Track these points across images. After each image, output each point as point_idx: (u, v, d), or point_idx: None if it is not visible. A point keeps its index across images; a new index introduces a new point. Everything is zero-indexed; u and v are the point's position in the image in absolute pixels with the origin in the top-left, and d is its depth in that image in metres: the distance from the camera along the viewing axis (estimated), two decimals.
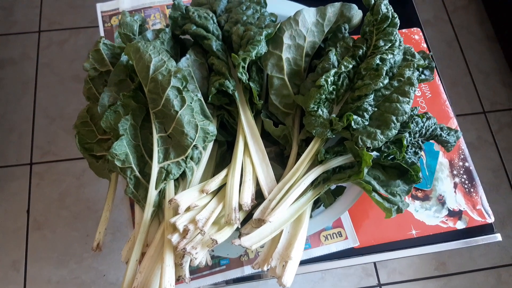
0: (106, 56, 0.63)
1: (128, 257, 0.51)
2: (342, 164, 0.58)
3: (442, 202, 0.74)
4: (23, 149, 1.44)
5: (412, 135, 0.60)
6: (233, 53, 0.58)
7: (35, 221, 1.35)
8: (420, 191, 0.75)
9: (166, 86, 0.53)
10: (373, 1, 0.58)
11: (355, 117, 0.54)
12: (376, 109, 0.55)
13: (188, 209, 0.51)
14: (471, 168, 0.77)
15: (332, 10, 0.59)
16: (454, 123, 0.80)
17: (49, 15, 1.66)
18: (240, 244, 0.51)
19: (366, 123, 0.55)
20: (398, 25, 0.58)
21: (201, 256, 0.48)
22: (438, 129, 0.64)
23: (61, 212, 1.37)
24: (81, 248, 1.32)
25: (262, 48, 0.57)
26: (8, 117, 1.49)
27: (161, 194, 0.54)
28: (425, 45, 0.89)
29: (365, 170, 0.54)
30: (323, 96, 0.55)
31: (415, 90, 0.55)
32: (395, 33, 0.57)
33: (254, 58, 0.56)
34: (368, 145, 0.54)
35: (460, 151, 0.78)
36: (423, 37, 0.89)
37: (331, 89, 0.56)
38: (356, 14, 0.62)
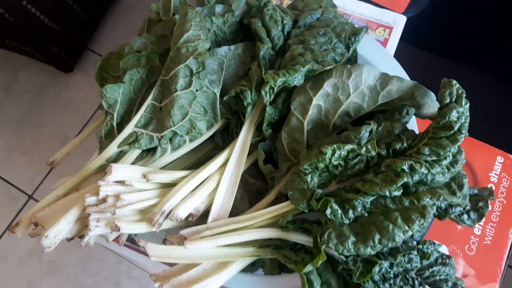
0: (173, 7, 0.61)
1: (56, 187, 0.51)
2: (305, 245, 0.49)
3: None
4: None
5: (399, 268, 0.47)
6: (271, 70, 0.52)
7: None
8: None
9: (182, 62, 0.50)
10: (447, 100, 0.46)
11: (336, 207, 0.44)
12: (366, 214, 0.45)
13: (123, 183, 0.48)
14: None
15: (398, 85, 0.48)
16: None
17: None
18: (144, 247, 0.47)
19: (346, 221, 0.45)
20: (460, 142, 0.45)
21: (97, 232, 0.45)
22: (449, 284, 0.50)
23: None
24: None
25: (295, 80, 0.49)
26: None
27: (120, 155, 0.52)
28: None
29: (310, 268, 0.44)
30: (322, 165, 0.46)
31: (423, 224, 0.43)
32: (450, 149, 0.44)
33: (279, 84, 0.49)
34: (330, 245, 0.44)
35: None
36: None
37: (335, 163, 0.46)
38: (430, 104, 0.50)
